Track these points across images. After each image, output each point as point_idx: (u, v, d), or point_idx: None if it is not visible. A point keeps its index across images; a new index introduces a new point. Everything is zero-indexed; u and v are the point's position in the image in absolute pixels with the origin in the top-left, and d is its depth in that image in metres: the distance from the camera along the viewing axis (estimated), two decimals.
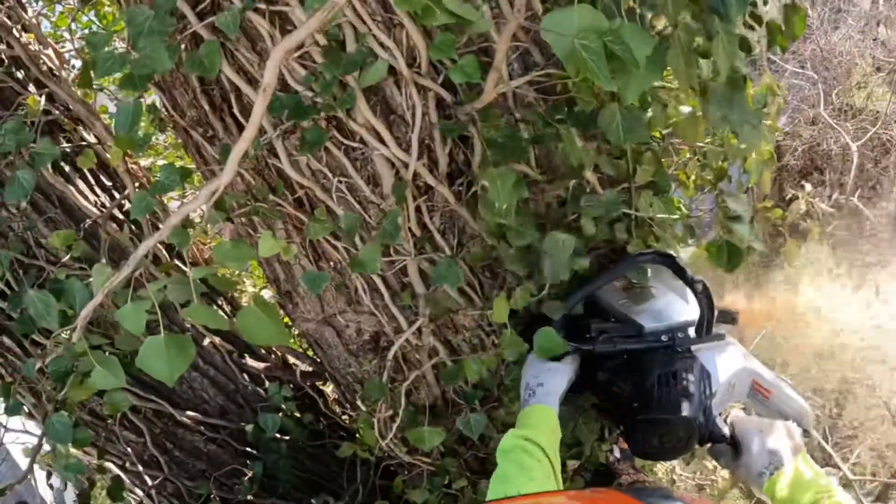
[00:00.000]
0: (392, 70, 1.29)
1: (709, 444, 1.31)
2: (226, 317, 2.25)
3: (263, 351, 2.41)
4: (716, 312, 1.43)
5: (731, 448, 1.29)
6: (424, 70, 1.30)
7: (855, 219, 5.29)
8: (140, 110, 1.31)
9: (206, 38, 1.28)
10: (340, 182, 1.42)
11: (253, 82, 1.35)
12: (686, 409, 1.24)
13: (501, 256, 1.43)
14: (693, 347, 1.33)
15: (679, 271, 1.40)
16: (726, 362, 1.34)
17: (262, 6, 1.23)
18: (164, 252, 2.09)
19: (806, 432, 1.31)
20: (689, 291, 1.43)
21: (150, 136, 1.60)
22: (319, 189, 1.43)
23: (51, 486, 2.19)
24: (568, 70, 0.90)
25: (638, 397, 1.29)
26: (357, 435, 2.11)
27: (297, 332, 2.17)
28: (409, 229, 1.45)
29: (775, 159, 2.08)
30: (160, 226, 2.15)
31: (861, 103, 6.12)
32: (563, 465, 1.82)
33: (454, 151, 1.42)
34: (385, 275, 1.55)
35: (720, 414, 1.32)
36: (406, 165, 1.37)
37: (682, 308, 1.38)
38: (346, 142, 1.38)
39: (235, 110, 1.42)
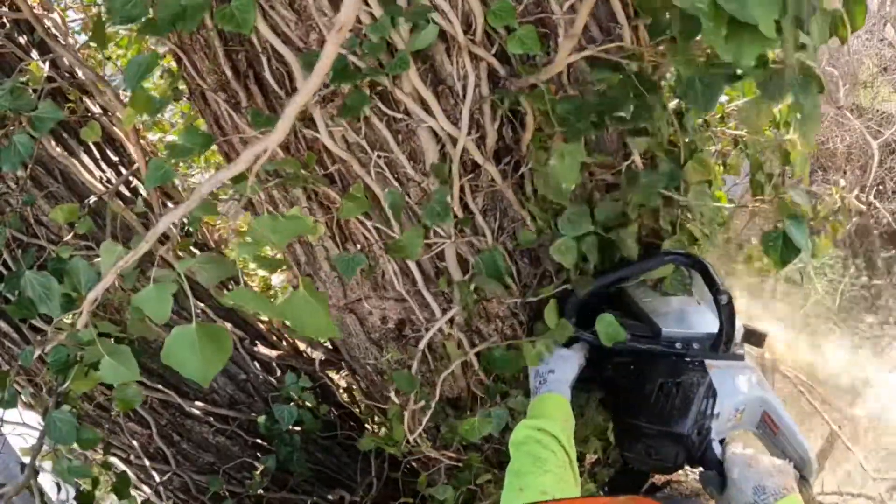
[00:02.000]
0: (443, 37, 1.20)
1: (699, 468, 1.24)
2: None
3: (275, 338, 2.31)
4: (740, 330, 1.35)
5: (719, 477, 1.20)
6: (479, 38, 1.20)
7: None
8: (154, 63, 1.18)
9: None
10: (380, 157, 1.32)
11: (289, 42, 1.24)
12: (680, 425, 1.19)
13: (546, 246, 1.35)
14: (706, 362, 1.26)
15: (708, 278, 1.31)
16: (738, 386, 1.27)
17: None
18: (176, 232, 1.98)
19: (804, 479, 1.26)
20: (712, 305, 1.34)
21: (167, 100, 1.48)
22: (357, 164, 1.32)
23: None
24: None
25: (636, 401, 1.25)
26: (369, 427, 2.02)
27: None
28: (451, 210, 1.35)
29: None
30: (169, 205, 2.07)
31: (867, 103, 6.08)
32: (582, 457, 1.76)
33: (503, 128, 1.32)
34: (420, 258, 1.45)
35: (722, 439, 1.24)
36: (453, 140, 1.27)
37: (707, 319, 1.32)
38: (389, 112, 1.28)
39: (266, 73, 1.31)
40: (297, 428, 2.10)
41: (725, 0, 0.77)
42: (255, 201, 1.56)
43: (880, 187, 6.18)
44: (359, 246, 1.50)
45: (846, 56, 6.17)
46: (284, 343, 2.30)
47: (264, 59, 1.31)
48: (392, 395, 1.62)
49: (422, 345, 1.51)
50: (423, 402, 1.55)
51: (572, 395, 1.32)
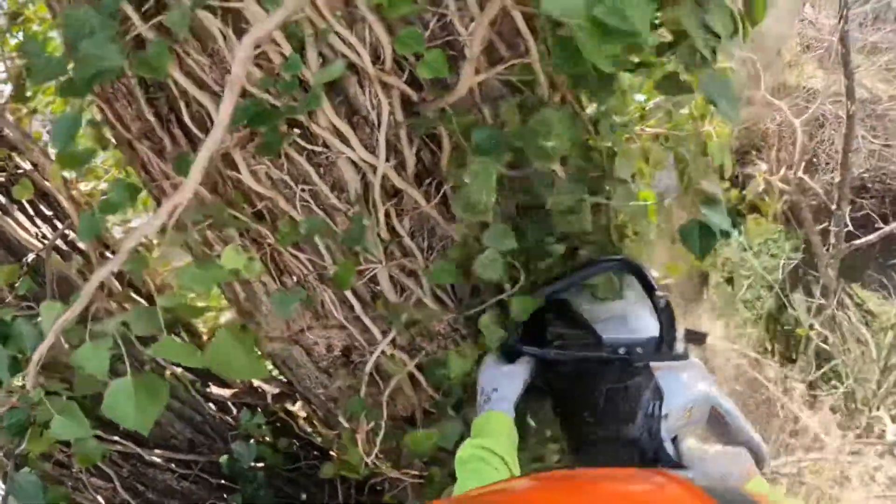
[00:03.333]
0: (354, 68, 1.24)
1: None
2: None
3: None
4: (679, 332, 1.35)
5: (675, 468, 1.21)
6: (389, 67, 1.24)
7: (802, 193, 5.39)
8: (79, 121, 1.19)
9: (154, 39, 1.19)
10: (303, 190, 1.35)
11: (204, 87, 1.27)
12: (629, 428, 1.20)
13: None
14: (651, 364, 1.27)
15: (645, 283, 1.34)
16: (685, 384, 1.28)
17: (215, 2, 1.15)
18: (117, 283, 1.98)
19: (760, 465, 1.23)
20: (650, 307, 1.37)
21: (93, 151, 1.49)
22: (282, 199, 1.35)
23: None
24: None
25: (584, 408, 1.26)
26: (333, 453, 2.03)
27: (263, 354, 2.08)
28: (378, 235, 1.38)
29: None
30: (109, 255, 2.06)
31: (793, 81, 6.27)
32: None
33: (421, 151, 1.36)
34: (354, 285, 1.47)
35: (673, 438, 1.25)
36: (373, 168, 1.31)
37: (648, 322, 1.33)
38: (308, 146, 1.31)
39: (185, 118, 1.33)
40: (261, 464, 2.11)
41: (605, 14, 0.80)
42: (190, 242, 1.57)
43: (814, 160, 6.37)
44: (295, 278, 1.52)
45: (769, 40, 6.36)
46: (239, 381, 2.30)
47: (183, 104, 1.33)
48: (343, 420, 1.64)
49: (368, 368, 1.54)
50: (372, 424, 1.57)
51: (526, 407, 1.34)
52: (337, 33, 1.16)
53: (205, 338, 2.41)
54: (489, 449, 1.16)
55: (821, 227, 4.60)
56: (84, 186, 2.35)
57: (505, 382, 1.31)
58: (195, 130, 1.35)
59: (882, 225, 5.32)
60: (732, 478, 1.12)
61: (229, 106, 0.79)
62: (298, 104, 1.18)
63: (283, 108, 1.19)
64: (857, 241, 4.28)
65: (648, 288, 1.34)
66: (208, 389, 2.20)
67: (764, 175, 2.10)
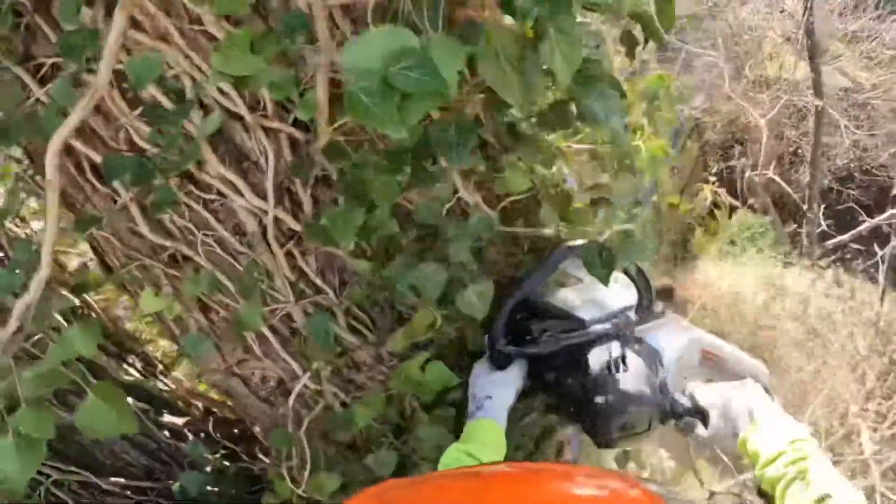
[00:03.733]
0: (238, 116, 1.25)
1: (673, 422, 1.28)
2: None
3: (182, 404, 2.34)
4: (653, 292, 1.42)
5: (699, 420, 1.24)
6: (271, 111, 1.25)
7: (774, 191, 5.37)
8: None
9: (48, 102, 1.22)
10: (206, 236, 1.37)
11: (105, 144, 1.30)
12: (642, 390, 1.22)
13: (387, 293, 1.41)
14: (637, 330, 1.32)
15: None
16: (672, 337, 1.33)
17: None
18: None
19: (765, 388, 1.26)
20: (621, 277, 1.41)
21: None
22: (185, 246, 1.37)
23: None
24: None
25: (592, 388, 1.26)
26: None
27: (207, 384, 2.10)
28: (285, 275, 1.40)
29: (670, 154, 2.08)
30: None
31: (774, 73, 6.24)
32: None
33: (319, 190, 1.37)
34: (273, 322, 1.49)
35: (677, 388, 1.30)
36: (266, 213, 1.32)
37: (619, 294, 1.37)
38: (203, 195, 1.33)
39: (89, 175, 1.36)
40: (216, 488, 2.13)
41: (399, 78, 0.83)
42: (124, 281, 1.59)
43: (798, 151, 6.35)
44: (221, 314, 1.54)
45: (749, 33, 6.34)
46: (194, 409, 2.33)
47: (84, 160, 1.35)
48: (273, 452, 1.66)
49: (290, 401, 1.55)
50: (299, 458, 1.59)
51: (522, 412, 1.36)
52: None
53: (160, 367, 2.44)
54: (474, 455, 1.18)
55: (791, 229, 4.57)
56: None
57: (498, 390, 1.32)
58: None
59: (866, 217, 5.28)
60: (751, 406, 1.15)
61: (52, 204, 0.81)
62: (179, 159, 1.20)
63: (167, 164, 1.21)
64: (831, 241, 4.23)
65: None
66: (161, 418, 2.22)
67: (712, 188, 2.08)
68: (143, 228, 1.34)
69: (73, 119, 1.00)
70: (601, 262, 1.26)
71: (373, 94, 0.85)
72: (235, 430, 2.25)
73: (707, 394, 1.23)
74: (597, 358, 1.27)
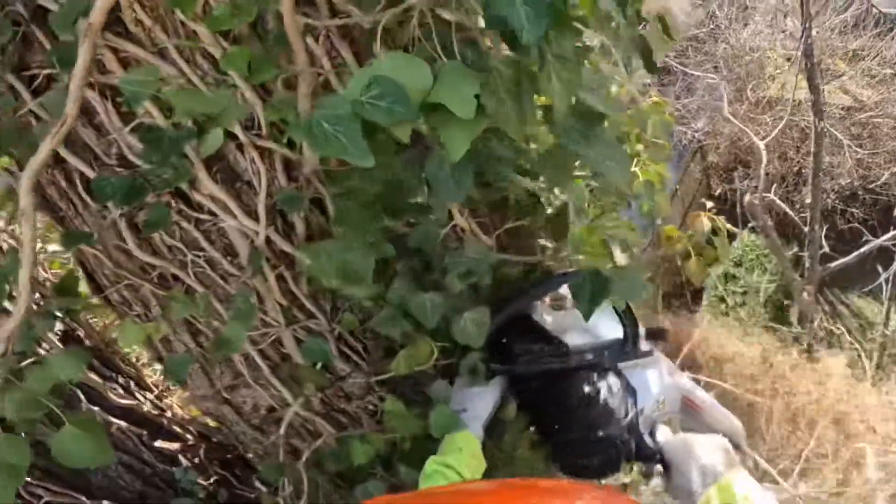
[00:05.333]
0: (233, 135, 1.22)
1: (638, 464, 1.31)
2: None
3: (178, 429, 2.29)
4: (642, 330, 1.39)
5: (663, 468, 1.23)
6: (265, 132, 1.22)
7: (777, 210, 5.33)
8: None
9: (43, 117, 1.19)
10: (198, 257, 1.33)
11: (97, 158, 1.26)
12: (610, 428, 1.21)
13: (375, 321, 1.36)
14: (620, 365, 1.31)
15: None
16: (653, 379, 1.32)
17: (94, 78, 1.14)
18: None
19: (738, 448, 1.29)
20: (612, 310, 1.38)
21: None
22: (175, 266, 1.34)
23: None
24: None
25: (561, 417, 1.27)
26: None
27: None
28: (276, 299, 1.36)
29: (668, 178, 2.05)
30: None
31: (776, 94, 6.23)
32: None
33: (312, 212, 1.34)
34: (262, 347, 1.45)
35: (650, 432, 1.28)
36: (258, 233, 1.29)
37: (610, 326, 1.36)
38: (195, 214, 1.29)
39: (80, 189, 1.31)
40: None
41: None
42: (113, 301, 1.55)
43: (801, 171, 6.33)
44: (210, 337, 1.50)
45: (749, 54, 6.34)
46: (189, 434, 2.28)
47: (77, 175, 1.32)
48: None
49: (281, 430, 1.51)
50: (291, 487, 1.55)
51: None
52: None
53: (154, 391, 2.40)
54: (451, 466, 1.17)
55: (793, 251, 4.52)
56: None
57: (474, 403, 1.32)
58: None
59: (870, 237, 5.23)
60: (709, 470, 1.13)
61: (28, 235, 0.79)
62: (171, 176, 1.17)
63: (158, 182, 1.18)
64: (834, 264, 4.17)
65: None
66: (156, 443, 2.18)
67: (708, 214, 2.04)
68: (132, 246, 1.31)
69: (43, 150, 0.99)
70: (588, 295, 1.21)
71: (338, 121, 0.83)
72: (229, 456, 2.21)
73: (675, 445, 1.22)
74: (573, 387, 1.27)
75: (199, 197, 1.26)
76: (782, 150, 6.17)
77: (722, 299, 6.69)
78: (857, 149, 6.04)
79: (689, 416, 1.38)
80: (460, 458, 1.21)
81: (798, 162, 6.18)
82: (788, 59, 6.19)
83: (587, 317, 1.20)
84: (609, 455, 1.22)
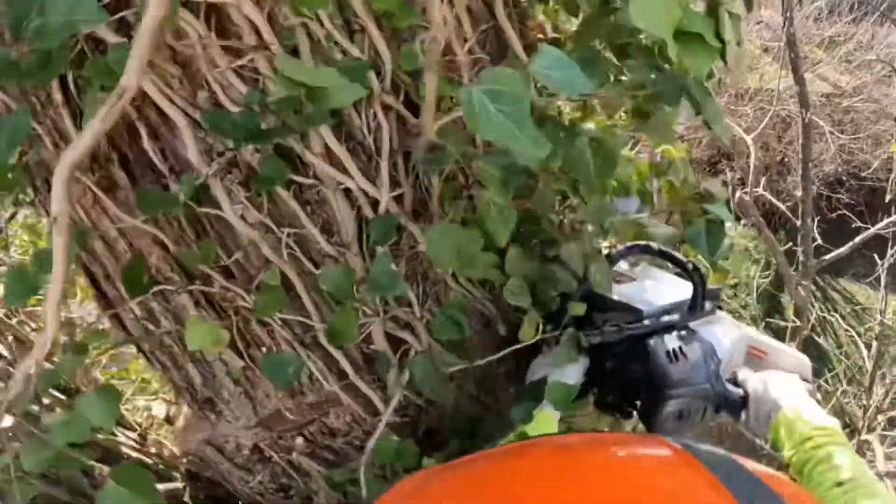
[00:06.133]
0: None
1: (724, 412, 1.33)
2: None
3: (164, 468, 2.07)
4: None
5: (741, 405, 1.30)
6: (388, 86, 1.06)
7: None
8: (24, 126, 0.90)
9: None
10: (289, 236, 1.15)
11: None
12: (700, 379, 1.25)
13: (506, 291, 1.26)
14: (692, 324, 1.36)
15: (669, 257, 1.43)
16: (723, 332, 1.39)
17: None
18: None
19: (807, 381, 1.33)
20: (668, 277, 1.49)
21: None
22: (268, 246, 1.14)
23: None
24: None
25: (653, 374, 1.28)
26: None
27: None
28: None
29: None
30: None
31: (756, 85, 6.24)
32: None
33: (418, 182, 1.19)
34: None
35: (732, 380, 1.34)
36: (371, 203, 1.13)
37: (671, 290, 1.43)
38: (297, 179, 1.10)
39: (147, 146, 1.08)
40: None
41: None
42: (126, 322, 1.33)
43: (785, 160, 6.34)
44: (265, 349, 1.29)
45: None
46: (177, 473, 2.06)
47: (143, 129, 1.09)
48: None
49: (370, 445, 1.30)
50: None
51: None
52: (337, 42, 0.98)
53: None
54: None
55: (787, 246, 4.45)
56: None
57: (563, 379, 1.30)
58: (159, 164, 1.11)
59: (859, 223, 5.19)
60: (785, 394, 1.21)
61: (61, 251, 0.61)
62: (297, 120, 0.98)
63: (274, 129, 1.00)
64: (829, 256, 4.10)
65: (672, 258, 1.42)
66: None
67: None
68: (229, 215, 1.09)
69: (87, 136, 0.79)
70: (707, 240, 1.35)
71: (501, 98, 0.75)
72: (218, 493, 2.01)
73: (748, 381, 1.30)
74: (657, 347, 1.30)
75: (309, 156, 1.07)
76: (764, 140, 6.17)
77: (717, 295, 6.62)
78: (840, 135, 6.08)
79: (756, 364, 1.41)
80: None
81: (781, 151, 6.19)
82: (766, 50, 6.22)
83: (714, 253, 1.35)
84: (702, 406, 1.26)
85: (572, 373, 1.33)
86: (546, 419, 1.23)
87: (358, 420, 1.39)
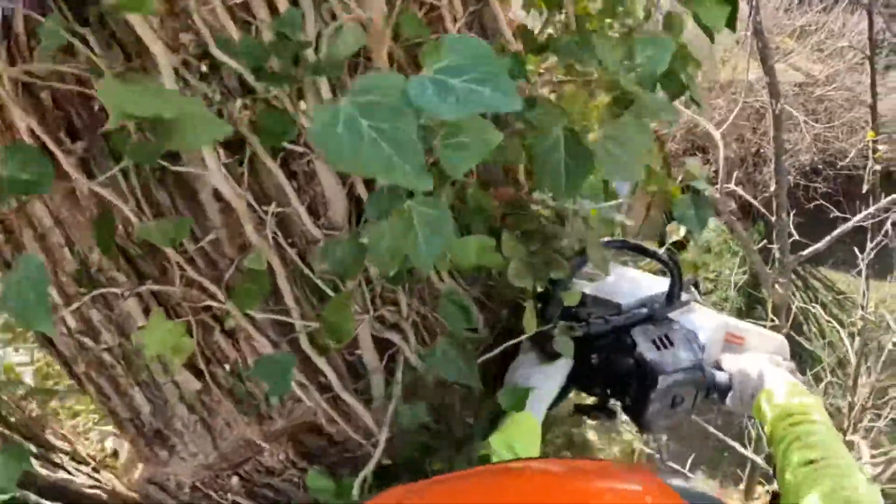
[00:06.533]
0: None
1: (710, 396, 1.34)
2: None
3: None
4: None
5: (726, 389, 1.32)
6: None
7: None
8: None
9: None
10: (274, 215, 1.00)
11: None
12: (687, 366, 1.26)
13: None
14: (671, 314, 1.37)
15: (644, 250, 1.41)
16: (702, 321, 1.39)
17: None
18: None
19: (786, 360, 1.36)
20: (639, 273, 1.50)
21: None
22: (252, 225, 1.00)
23: None
24: None
25: (642, 365, 1.27)
26: None
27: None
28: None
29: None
30: None
31: (728, 77, 6.24)
32: None
33: None
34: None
35: (715, 366, 1.36)
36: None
37: (647, 283, 1.44)
38: (289, 146, 0.97)
39: None
40: None
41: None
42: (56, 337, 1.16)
43: (760, 151, 6.32)
44: (228, 366, 1.13)
45: (697, 39, 6.32)
46: None
47: None
48: None
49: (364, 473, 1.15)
50: None
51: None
52: None
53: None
54: (513, 448, 1.13)
55: (762, 243, 4.39)
56: None
57: (542, 381, 1.27)
58: None
59: (838, 214, 5.14)
60: (767, 373, 1.24)
61: None
62: (311, 67, 0.85)
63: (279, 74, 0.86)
64: (806, 252, 4.03)
65: (648, 252, 1.40)
66: None
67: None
68: (217, 180, 0.93)
69: None
70: (694, 214, 1.28)
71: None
72: None
73: (731, 363, 1.32)
74: (643, 337, 1.30)
75: (304, 120, 0.93)
76: (739, 132, 6.15)
77: (695, 285, 6.58)
78: (814, 124, 6.09)
79: (735, 349, 1.42)
80: (521, 440, 1.16)
81: (756, 143, 6.18)
82: (738, 42, 6.20)
83: (703, 226, 1.31)
84: (694, 389, 1.27)
85: (557, 374, 1.30)
86: (529, 425, 1.20)
87: (294, 461, 1.27)
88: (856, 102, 6.49)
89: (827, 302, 6.16)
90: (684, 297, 1.42)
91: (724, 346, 1.43)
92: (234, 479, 1.28)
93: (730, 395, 1.30)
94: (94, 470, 2.09)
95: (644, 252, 1.43)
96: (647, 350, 1.29)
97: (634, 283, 1.45)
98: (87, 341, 1.12)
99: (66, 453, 1.84)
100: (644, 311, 1.36)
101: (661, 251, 1.41)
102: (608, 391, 1.38)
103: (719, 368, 1.34)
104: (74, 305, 1.05)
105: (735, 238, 6.30)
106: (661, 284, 1.43)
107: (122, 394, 1.19)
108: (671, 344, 1.29)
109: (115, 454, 1.98)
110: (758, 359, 1.30)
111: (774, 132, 3.88)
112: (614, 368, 1.33)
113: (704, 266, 6.48)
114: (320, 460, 1.27)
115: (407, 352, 1.17)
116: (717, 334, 1.41)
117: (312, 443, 1.28)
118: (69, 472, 1.91)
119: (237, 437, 1.20)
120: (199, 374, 1.13)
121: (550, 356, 1.31)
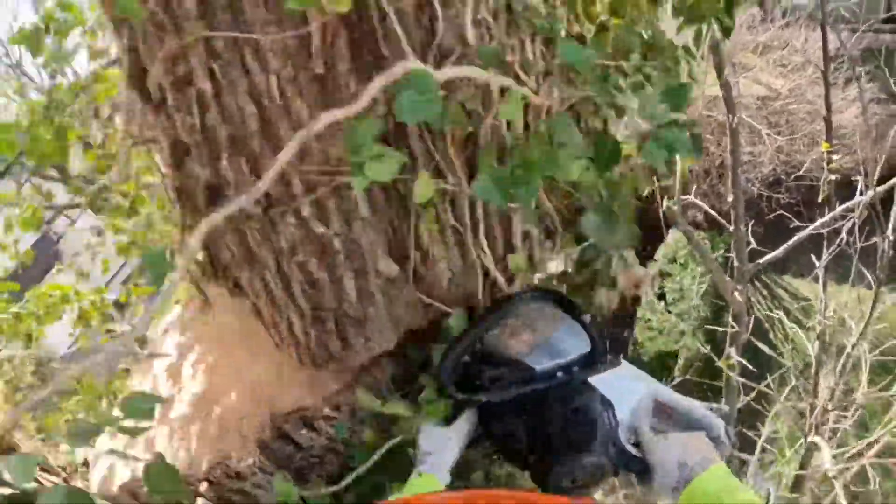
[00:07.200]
0: None
1: (621, 474, 1.27)
2: None
3: None
4: (605, 341, 1.38)
5: (645, 470, 1.23)
6: None
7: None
8: None
9: None
10: None
11: None
12: (594, 444, 1.20)
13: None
14: (590, 380, 1.28)
15: (564, 305, 1.37)
16: (626, 388, 1.32)
17: None
18: None
19: (717, 441, 1.27)
20: (570, 327, 1.37)
21: None
22: None
23: None
24: None
25: (543, 441, 1.23)
26: None
27: None
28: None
29: None
30: None
31: (694, 92, 6.35)
32: None
33: None
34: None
35: (629, 440, 1.27)
36: None
37: (572, 342, 1.34)
38: None
39: None
40: None
41: None
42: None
43: (724, 163, 6.46)
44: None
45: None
46: None
47: None
48: None
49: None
50: None
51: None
52: None
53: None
54: None
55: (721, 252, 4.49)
56: None
57: (440, 447, 1.27)
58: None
59: (798, 223, 5.28)
60: (690, 464, 1.15)
61: None
62: None
63: None
64: (763, 259, 4.13)
65: (573, 309, 1.36)
66: None
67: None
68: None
69: None
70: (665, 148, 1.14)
71: None
72: None
73: (653, 445, 1.23)
74: (549, 409, 1.24)
75: None
76: (703, 145, 6.27)
77: (661, 296, 6.71)
78: (777, 136, 6.23)
79: (664, 419, 1.34)
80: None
81: (720, 155, 6.30)
82: (702, 57, 6.32)
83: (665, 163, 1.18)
84: (598, 472, 1.20)
85: (455, 435, 1.28)
86: (428, 483, 1.20)
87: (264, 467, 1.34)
88: (816, 115, 6.65)
89: (792, 309, 6.29)
90: (608, 359, 1.34)
91: (655, 412, 1.34)
92: (204, 485, 1.33)
93: (654, 480, 1.20)
94: (65, 481, 2.13)
95: (561, 303, 1.38)
96: (548, 426, 1.23)
97: (559, 342, 1.35)
98: (320, 227, 1.19)
99: (37, 464, 1.87)
100: (559, 376, 1.28)
101: (582, 312, 1.36)
102: (513, 460, 1.34)
103: (637, 445, 1.26)
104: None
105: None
106: (585, 345, 1.34)
107: (335, 280, 1.27)
108: (579, 421, 1.22)
109: (85, 464, 2.02)
110: (690, 445, 1.21)
111: (731, 146, 3.98)
112: (516, 439, 1.28)
113: (669, 276, 6.59)
114: (287, 465, 1.33)
115: None
116: (642, 402, 1.32)
117: (280, 449, 1.35)
118: (40, 483, 1.95)
119: (409, 322, 1.36)
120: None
121: (446, 419, 1.30)
